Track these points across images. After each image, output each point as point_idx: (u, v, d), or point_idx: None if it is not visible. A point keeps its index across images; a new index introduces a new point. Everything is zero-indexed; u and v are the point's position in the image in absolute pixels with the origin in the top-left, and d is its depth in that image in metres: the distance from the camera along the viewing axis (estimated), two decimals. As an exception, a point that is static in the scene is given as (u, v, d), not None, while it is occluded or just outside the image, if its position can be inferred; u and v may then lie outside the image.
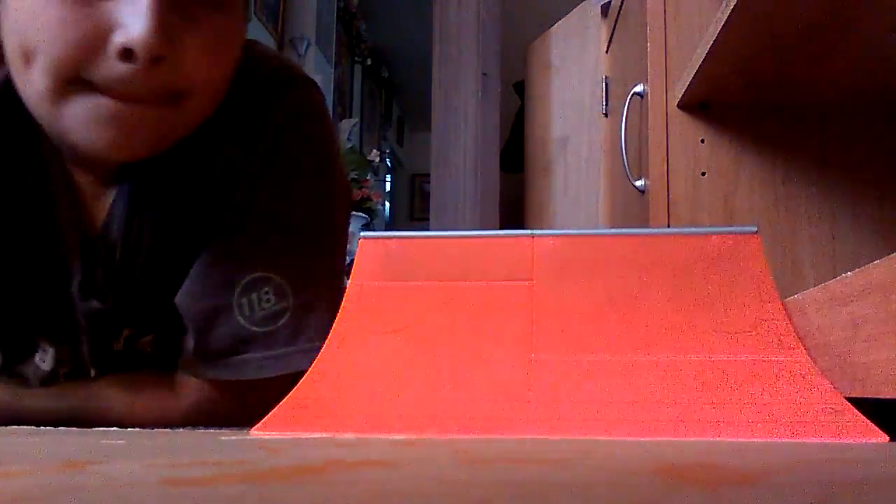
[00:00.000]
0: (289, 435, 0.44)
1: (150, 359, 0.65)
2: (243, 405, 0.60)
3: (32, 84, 0.53)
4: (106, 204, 0.62)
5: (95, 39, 0.51)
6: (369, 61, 5.27)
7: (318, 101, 0.68)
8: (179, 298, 0.61)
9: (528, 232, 0.51)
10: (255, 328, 0.60)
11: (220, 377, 0.61)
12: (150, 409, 0.60)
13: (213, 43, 0.55)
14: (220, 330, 0.60)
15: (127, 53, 0.50)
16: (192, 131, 0.59)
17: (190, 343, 0.61)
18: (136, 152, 0.56)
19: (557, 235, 0.51)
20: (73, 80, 0.52)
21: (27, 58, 0.52)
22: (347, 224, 0.70)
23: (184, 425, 0.59)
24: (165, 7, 0.51)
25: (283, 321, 0.60)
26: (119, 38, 0.50)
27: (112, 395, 0.60)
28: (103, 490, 0.21)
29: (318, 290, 0.63)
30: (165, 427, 0.57)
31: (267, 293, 0.60)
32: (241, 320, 0.60)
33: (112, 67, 0.51)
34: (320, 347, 0.61)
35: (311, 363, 0.58)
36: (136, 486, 0.22)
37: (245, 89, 0.62)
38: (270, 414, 0.46)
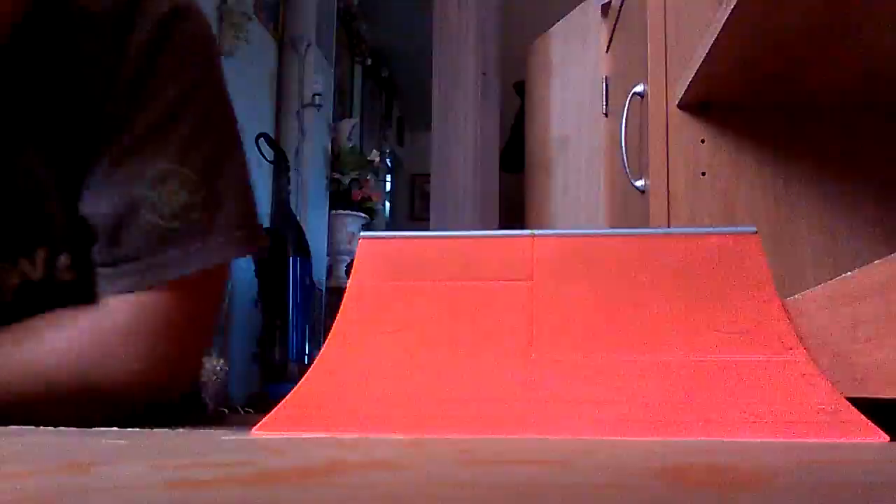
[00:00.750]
0: (289, 435, 0.44)
1: (74, 291, 0.61)
2: (167, 313, 0.57)
3: None
4: None
5: None
6: (369, 61, 5.26)
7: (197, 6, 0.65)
8: (84, 205, 0.59)
9: (528, 232, 0.51)
10: (167, 224, 0.58)
11: (142, 283, 0.58)
12: (79, 339, 0.56)
13: None
14: (132, 230, 0.58)
15: None
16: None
17: (102, 251, 0.58)
18: None
19: (557, 235, 0.51)
20: None
21: None
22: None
23: (114, 348, 0.56)
24: None
25: (195, 215, 0.59)
26: None
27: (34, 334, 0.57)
28: (109, 493, 0.21)
29: (227, 181, 0.62)
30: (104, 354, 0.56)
31: (176, 186, 0.59)
32: (154, 217, 0.58)
33: None
34: (237, 238, 0.60)
35: (230, 254, 0.59)
36: (142, 488, 0.22)
37: None
38: (271, 414, 0.46)
